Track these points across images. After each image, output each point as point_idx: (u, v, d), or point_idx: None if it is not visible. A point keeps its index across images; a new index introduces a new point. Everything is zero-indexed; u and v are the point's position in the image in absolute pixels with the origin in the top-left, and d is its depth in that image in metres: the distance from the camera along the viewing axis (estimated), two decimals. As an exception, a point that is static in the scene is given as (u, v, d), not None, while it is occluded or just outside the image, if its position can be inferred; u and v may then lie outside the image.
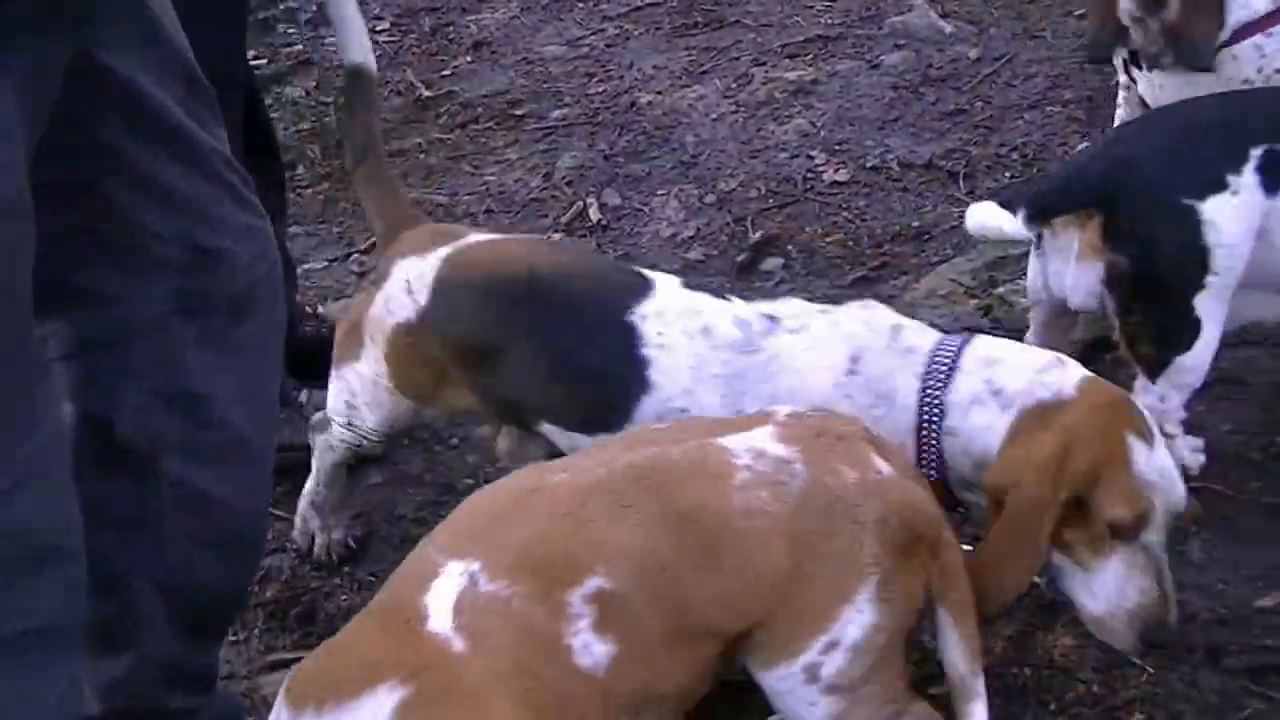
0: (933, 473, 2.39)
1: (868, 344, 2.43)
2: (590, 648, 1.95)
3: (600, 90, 5.28)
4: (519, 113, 5.20)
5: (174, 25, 2.14)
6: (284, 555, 3.13)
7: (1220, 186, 2.75)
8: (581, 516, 2.01)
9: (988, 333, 2.88)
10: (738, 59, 5.37)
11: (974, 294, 3.71)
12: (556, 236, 4.29)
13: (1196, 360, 2.80)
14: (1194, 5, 3.32)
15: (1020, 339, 2.92)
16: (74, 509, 1.90)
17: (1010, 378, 2.36)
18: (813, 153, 4.63)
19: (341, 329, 2.87)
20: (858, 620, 2.06)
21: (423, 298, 2.66)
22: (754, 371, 2.45)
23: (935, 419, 2.38)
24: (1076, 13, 5.37)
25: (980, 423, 2.36)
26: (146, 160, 2.08)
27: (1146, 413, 2.36)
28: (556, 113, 5.16)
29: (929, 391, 2.38)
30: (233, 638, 2.87)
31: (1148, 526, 2.26)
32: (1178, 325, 2.80)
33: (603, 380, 2.53)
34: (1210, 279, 2.76)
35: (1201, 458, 2.99)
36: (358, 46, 2.89)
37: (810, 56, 5.33)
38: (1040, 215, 2.90)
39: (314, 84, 5.51)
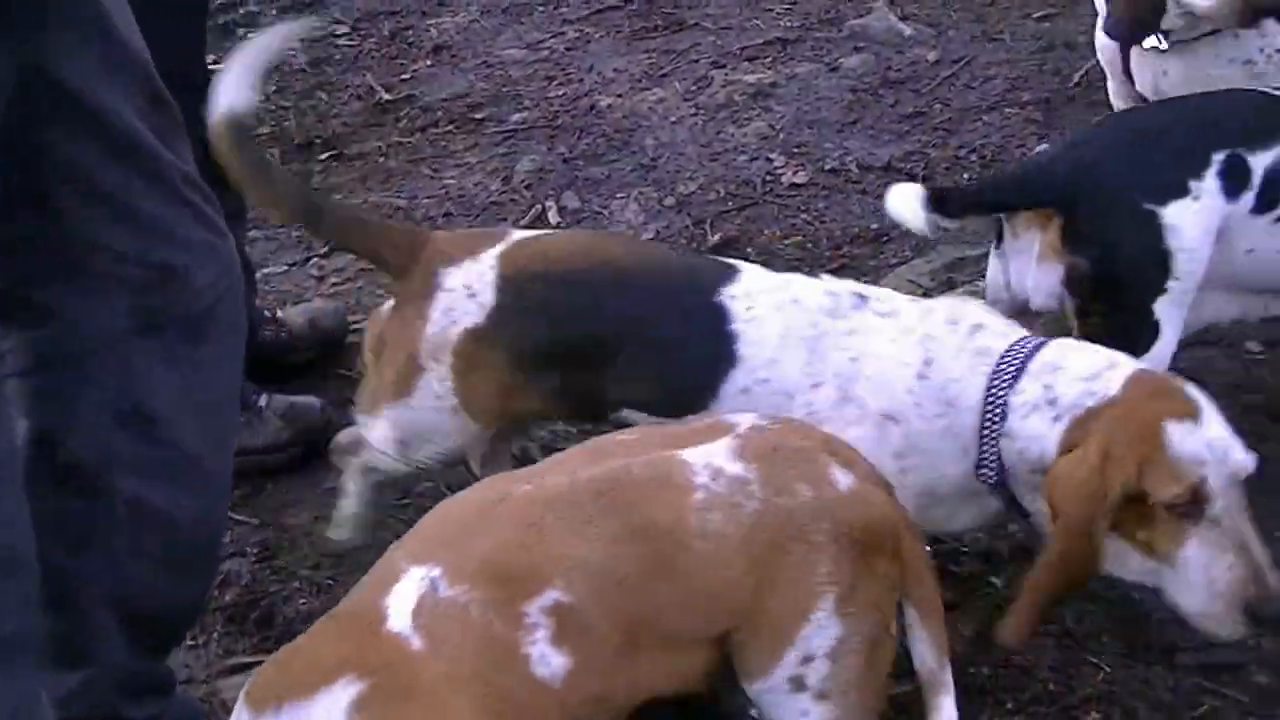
0: (992, 476, 2.41)
1: (943, 344, 2.45)
2: (547, 659, 1.96)
3: (560, 93, 5.28)
4: (479, 116, 5.19)
5: (133, 35, 2.13)
6: (243, 559, 3.12)
7: (1182, 191, 2.76)
8: (542, 528, 2.02)
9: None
10: (697, 62, 5.38)
11: (932, 295, 3.71)
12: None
13: (1154, 363, 2.81)
14: None
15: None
16: (26, 523, 1.90)
17: (1065, 386, 2.36)
18: (772, 155, 4.64)
19: (390, 366, 2.69)
20: (822, 635, 2.08)
21: (488, 298, 2.60)
22: (834, 337, 2.48)
23: (996, 420, 2.39)
24: (1035, 15, 5.40)
25: (1035, 430, 2.36)
26: (102, 175, 2.07)
27: (1192, 389, 2.34)
28: (516, 116, 5.15)
29: (994, 392, 2.39)
30: (191, 642, 2.86)
31: (1209, 500, 2.24)
32: (1137, 328, 2.80)
33: (691, 360, 2.54)
34: (1171, 284, 2.77)
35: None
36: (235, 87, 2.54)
37: (770, 59, 5.34)
38: (993, 209, 2.92)
39: (273, 89, 5.49)
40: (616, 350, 2.56)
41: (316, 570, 3.08)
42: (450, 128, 5.14)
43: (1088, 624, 2.72)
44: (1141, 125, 3.01)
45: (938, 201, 2.81)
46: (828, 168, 4.53)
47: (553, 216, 4.42)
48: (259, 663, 2.48)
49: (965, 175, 4.41)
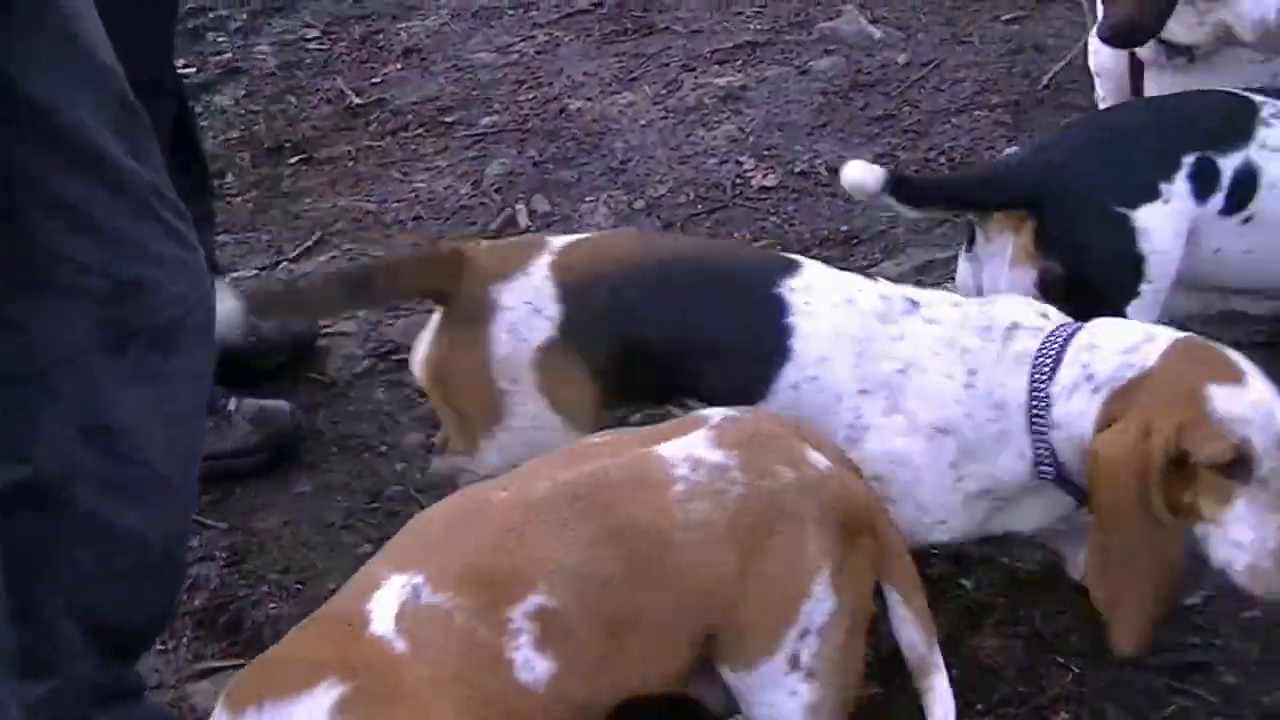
0: (1050, 471, 2.42)
1: (983, 353, 2.46)
2: (531, 664, 1.96)
3: (530, 97, 5.27)
4: (449, 120, 5.18)
5: (102, 44, 2.11)
6: (212, 564, 3.11)
7: (1153, 194, 2.77)
8: (524, 533, 2.03)
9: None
10: (667, 65, 5.37)
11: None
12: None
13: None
14: None
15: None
16: None
17: (1102, 362, 2.38)
18: (741, 158, 4.64)
19: (468, 396, 2.65)
20: (819, 609, 2.10)
21: (554, 310, 2.58)
22: (882, 343, 2.49)
23: (1042, 413, 2.40)
24: (1004, 18, 5.40)
25: (1075, 409, 2.37)
26: (66, 188, 2.05)
27: (1232, 353, 2.35)
28: (486, 119, 5.14)
29: (1036, 387, 2.41)
30: (160, 647, 2.84)
31: (1256, 461, 2.25)
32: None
33: (750, 351, 2.55)
34: (1144, 287, 2.78)
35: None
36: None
37: (740, 62, 5.34)
38: (951, 203, 2.95)
39: (243, 93, 5.48)
40: (683, 345, 2.58)
41: (285, 575, 3.07)
42: (420, 131, 5.13)
43: (1056, 625, 2.73)
44: (1111, 127, 3.01)
45: (896, 184, 2.78)
46: (797, 170, 4.53)
47: (523, 220, 4.41)
48: (228, 667, 2.47)
49: (935, 178, 4.41)
